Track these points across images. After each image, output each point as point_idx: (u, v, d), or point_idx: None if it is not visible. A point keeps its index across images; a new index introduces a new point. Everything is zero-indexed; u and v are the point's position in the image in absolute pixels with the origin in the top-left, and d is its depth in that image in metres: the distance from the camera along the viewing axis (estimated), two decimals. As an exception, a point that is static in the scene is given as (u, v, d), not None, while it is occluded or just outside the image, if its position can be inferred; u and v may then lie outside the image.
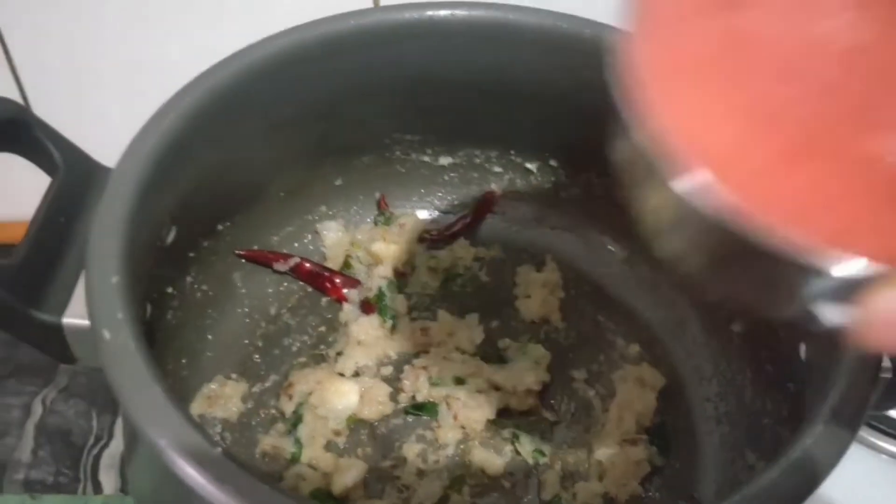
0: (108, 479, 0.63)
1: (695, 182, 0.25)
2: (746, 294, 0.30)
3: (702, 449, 0.55)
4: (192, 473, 0.31)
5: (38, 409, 0.68)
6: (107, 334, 0.36)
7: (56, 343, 0.42)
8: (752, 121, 0.27)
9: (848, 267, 0.24)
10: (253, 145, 0.54)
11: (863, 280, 0.24)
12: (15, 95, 0.69)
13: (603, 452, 0.54)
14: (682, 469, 0.54)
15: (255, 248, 0.61)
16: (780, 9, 0.29)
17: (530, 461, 0.55)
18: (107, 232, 0.40)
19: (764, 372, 0.53)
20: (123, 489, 0.63)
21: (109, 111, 0.68)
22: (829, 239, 0.24)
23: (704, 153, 0.26)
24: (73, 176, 0.46)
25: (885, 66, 0.28)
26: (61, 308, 0.42)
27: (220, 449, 0.32)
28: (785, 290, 0.27)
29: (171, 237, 0.49)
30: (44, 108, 0.49)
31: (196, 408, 0.55)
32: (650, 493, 0.53)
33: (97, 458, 0.65)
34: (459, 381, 0.56)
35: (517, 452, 0.55)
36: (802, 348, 0.46)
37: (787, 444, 0.47)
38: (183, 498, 0.32)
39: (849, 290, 0.25)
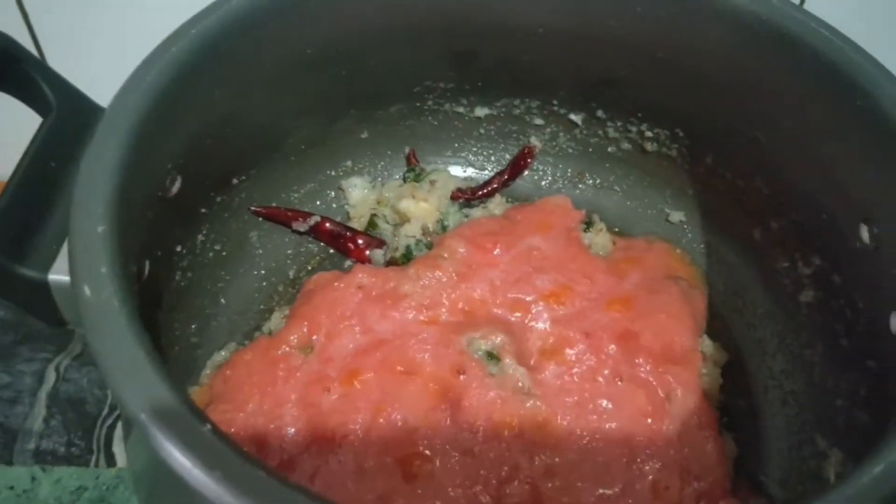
0: (122, 452, 0.60)
1: None
2: None
3: (766, 432, 0.50)
4: (175, 454, 0.26)
5: (51, 377, 0.65)
6: (87, 290, 0.31)
7: (43, 303, 0.38)
8: None
9: None
10: (269, 89, 0.50)
11: None
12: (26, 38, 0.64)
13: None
14: (743, 453, 0.49)
15: (274, 205, 0.57)
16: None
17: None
18: (95, 175, 0.35)
19: (838, 347, 0.47)
20: (135, 462, 0.59)
21: (124, 55, 0.64)
22: None
23: None
24: (68, 117, 0.42)
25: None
26: (48, 263, 0.38)
27: (209, 426, 0.27)
28: None
29: (175, 188, 0.44)
30: (55, 50, 0.45)
31: (206, 378, 0.51)
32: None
33: (111, 429, 0.62)
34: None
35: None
36: (895, 320, 0.40)
37: (868, 430, 0.42)
38: (173, 476, 0.27)
39: None
